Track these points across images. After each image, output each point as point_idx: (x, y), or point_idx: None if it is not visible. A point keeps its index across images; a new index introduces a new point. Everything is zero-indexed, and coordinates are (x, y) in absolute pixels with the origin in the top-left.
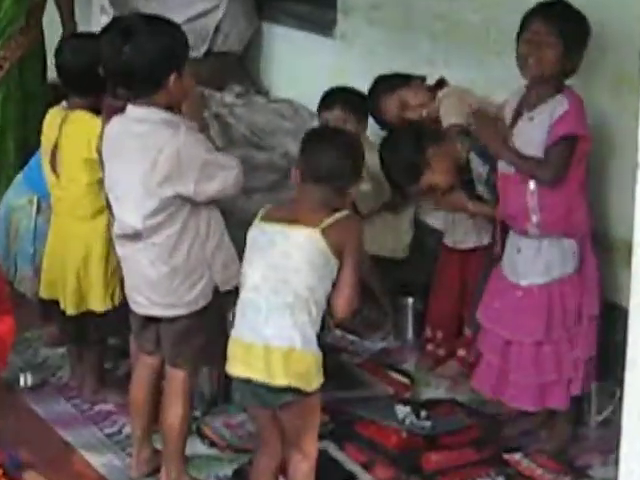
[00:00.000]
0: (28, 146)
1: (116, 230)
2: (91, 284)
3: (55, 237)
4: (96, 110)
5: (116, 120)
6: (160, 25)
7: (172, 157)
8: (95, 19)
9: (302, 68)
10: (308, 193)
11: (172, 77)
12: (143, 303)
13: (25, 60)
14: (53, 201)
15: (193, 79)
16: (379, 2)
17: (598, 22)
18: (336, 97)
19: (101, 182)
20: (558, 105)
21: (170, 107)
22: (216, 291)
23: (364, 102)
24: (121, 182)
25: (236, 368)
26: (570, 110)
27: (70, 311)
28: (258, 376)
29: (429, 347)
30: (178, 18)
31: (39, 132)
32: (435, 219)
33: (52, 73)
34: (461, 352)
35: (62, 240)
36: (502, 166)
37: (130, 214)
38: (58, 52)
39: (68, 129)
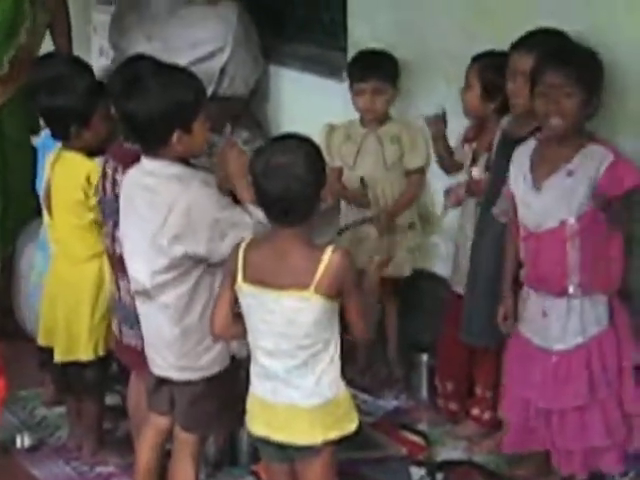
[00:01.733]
0: (8, 194)
1: (131, 285)
2: (78, 331)
3: (50, 281)
4: (93, 150)
5: (131, 171)
6: (170, 77)
7: (182, 214)
8: (94, 61)
9: (310, 112)
10: (281, 237)
11: (176, 134)
12: (158, 363)
13: (8, 109)
14: (51, 244)
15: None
16: (392, 43)
17: (612, 62)
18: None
19: (93, 225)
20: (601, 157)
21: (185, 159)
22: (232, 356)
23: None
24: (131, 237)
25: (258, 427)
26: (618, 160)
27: (57, 358)
28: (285, 436)
29: (440, 401)
30: (182, 60)
31: (26, 182)
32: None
33: None
34: (475, 411)
35: (56, 284)
36: (532, 225)
37: (139, 270)
38: (37, 90)
39: (59, 170)
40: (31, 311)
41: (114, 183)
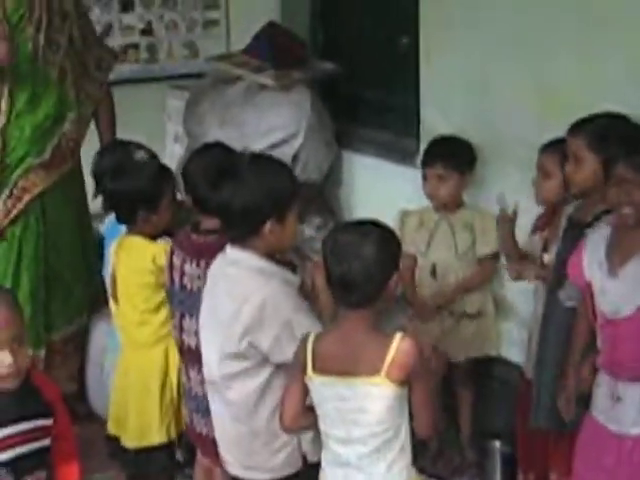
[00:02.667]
0: (52, 277)
1: (205, 374)
2: (149, 416)
3: (119, 371)
4: (154, 234)
5: (215, 261)
6: (265, 166)
7: (256, 307)
8: (169, 148)
9: (383, 198)
10: (353, 323)
11: (268, 224)
12: (228, 460)
13: (52, 193)
14: (118, 331)
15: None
16: (464, 129)
17: None
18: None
19: (159, 308)
20: None
21: (271, 253)
22: (304, 459)
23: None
24: (207, 324)
25: None
26: None
27: (129, 445)
28: None
29: None
30: (255, 147)
31: (72, 264)
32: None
33: None
34: None
35: (124, 373)
36: (608, 312)
37: (211, 358)
38: (104, 175)
39: (124, 255)
40: (103, 396)
41: (182, 274)
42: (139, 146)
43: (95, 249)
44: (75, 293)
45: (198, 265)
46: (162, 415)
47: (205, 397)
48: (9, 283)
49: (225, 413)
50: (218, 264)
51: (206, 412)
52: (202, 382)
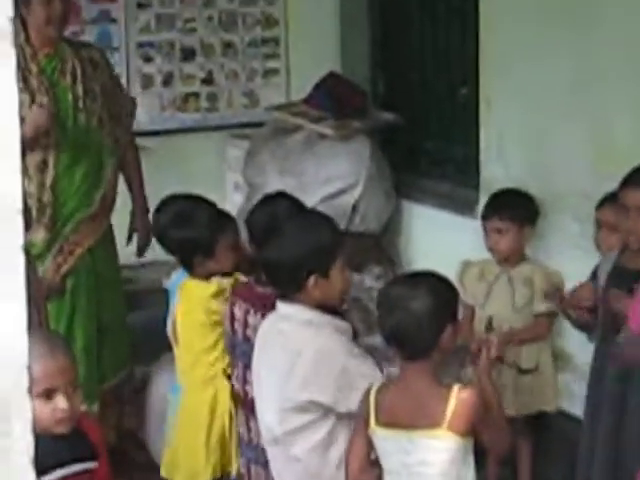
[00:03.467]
0: (103, 330)
1: (262, 433)
2: (196, 457)
3: (179, 415)
4: (210, 274)
5: (269, 316)
6: (307, 221)
7: (310, 360)
8: (229, 196)
9: (442, 248)
10: (413, 375)
11: (312, 279)
12: None
13: (98, 246)
14: (179, 376)
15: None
16: (524, 181)
17: None
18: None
19: (210, 349)
20: None
21: (322, 305)
22: None
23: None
24: (262, 381)
25: None
26: None
27: None
28: None
29: None
30: (315, 196)
31: (117, 317)
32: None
33: None
34: None
35: (180, 415)
36: None
37: (268, 415)
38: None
39: (183, 297)
40: (162, 446)
41: (245, 325)
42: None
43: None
44: (121, 346)
45: (263, 316)
46: (208, 455)
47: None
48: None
49: (289, 471)
50: (270, 321)
51: (266, 464)
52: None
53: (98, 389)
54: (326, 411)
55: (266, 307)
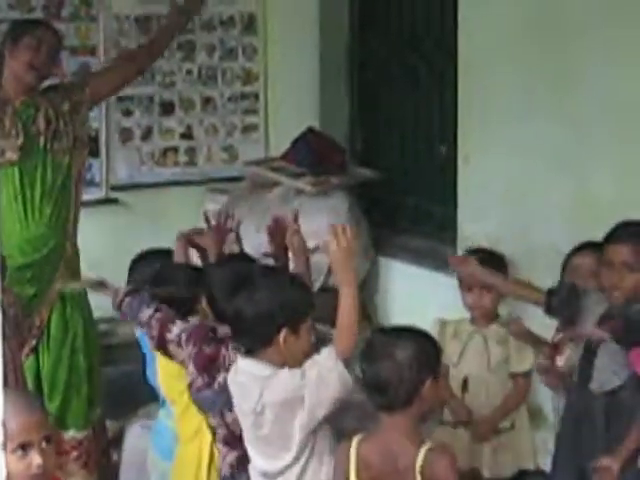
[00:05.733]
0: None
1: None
2: None
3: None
4: None
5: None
6: (283, 279)
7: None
8: None
9: (420, 305)
10: (388, 429)
11: (282, 333)
12: None
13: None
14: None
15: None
16: (501, 239)
17: None
18: None
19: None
20: None
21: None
22: None
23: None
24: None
25: None
26: None
27: None
28: None
29: None
30: None
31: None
32: None
33: None
34: None
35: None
36: None
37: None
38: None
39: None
40: None
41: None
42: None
43: None
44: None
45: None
46: None
47: None
48: (66, 365)
49: None
50: (232, 373)
51: None
52: None
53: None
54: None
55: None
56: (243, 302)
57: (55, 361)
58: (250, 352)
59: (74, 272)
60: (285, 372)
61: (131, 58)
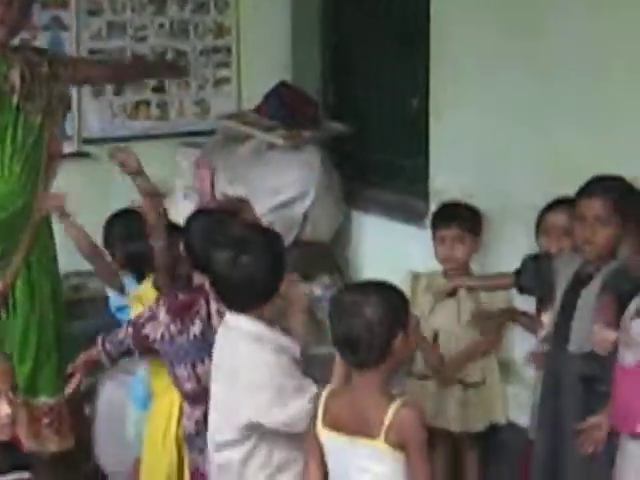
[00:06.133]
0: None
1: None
2: (157, 466)
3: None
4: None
5: (220, 329)
6: (265, 239)
7: (247, 381)
8: (179, 203)
9: (391, 258)
10: (359, 384)
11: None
12: None
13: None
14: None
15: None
16: (473, 193)
17: None
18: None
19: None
20: None
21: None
22: None
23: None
24: (216, 388)
25: None
26: None
27: None
28: None
29: None
30: (264, 206)
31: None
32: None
33: None
34: None
35: (147, 422)
36: (622, 359)
37: (214, 419)
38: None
39: (138, 306)
40: (110, 452)
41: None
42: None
43: None
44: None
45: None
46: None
47: None
48: (35, 332)
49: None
50: (219, 332)
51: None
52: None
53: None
54: (253, 428)
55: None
56: (232, 268)
57: (24, 328)
58: (236, 310)
59: (44, 244)
60: (272, 359)
61: (121, 67)
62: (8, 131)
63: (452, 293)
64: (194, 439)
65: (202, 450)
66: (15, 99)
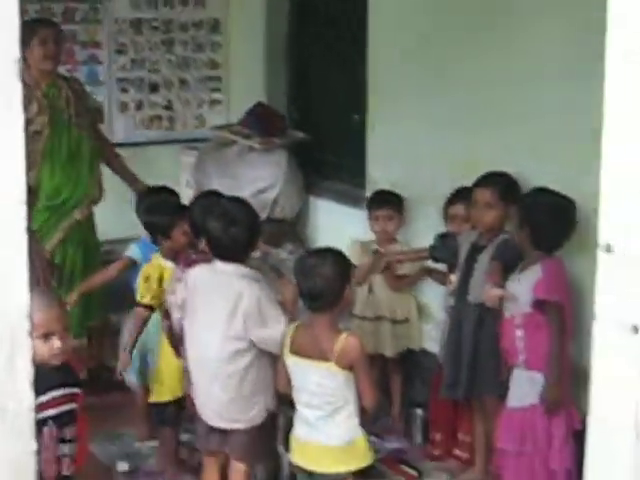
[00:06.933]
0: None
1: (192, 354)
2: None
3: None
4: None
5: (201, 271)
6: (243, 206)
7: (247, 304)
8: (183, 190)
9: (338, 232)
10: (317, 322)
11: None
12: (212, 417)
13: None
14: None
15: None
16: (399, 184)
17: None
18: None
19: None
20: (535, 273)
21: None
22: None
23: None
24: (199, 316)
25: (296, 458)
26: (544, 278)
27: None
28: (316, 466)
29: (430, 446)
30: (245, 192)
31: None
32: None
33: None
34: (457, 451)
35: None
36: (507, 310)
37: (210, 343)
38: (140, 208)
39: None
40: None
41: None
42: (166, 190)
43: None
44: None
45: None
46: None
47: None
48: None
49: (221, 383)
50: (205, 274)
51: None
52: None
53: (86, 327)
54: (251, 344)
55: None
56: (221, 231)
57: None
58: (227, 259)
59: (83, 235)
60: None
61: (111, 152)
62: (63, 139)
63: (386, 267)
64: None
65: None
66: (66, 115)
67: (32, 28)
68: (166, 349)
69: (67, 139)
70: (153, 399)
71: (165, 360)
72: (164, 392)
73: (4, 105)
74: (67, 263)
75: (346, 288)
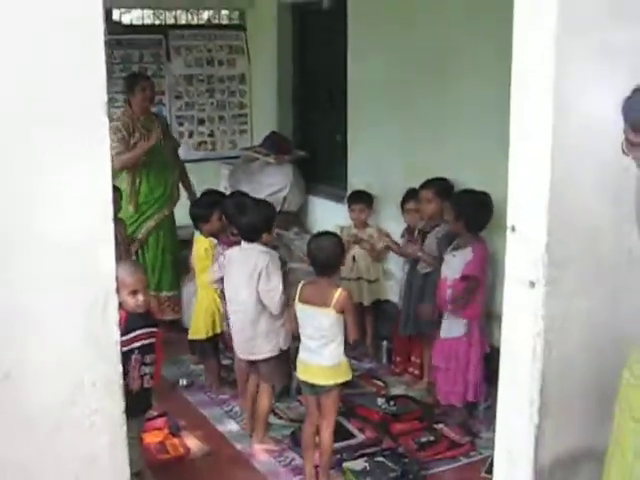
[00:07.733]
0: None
1: (229, 305)
2: (198, 321)
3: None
4: (207, 236)
5: (234, 249)
6: (262, 203)
7: (263, 268)
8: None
9: (329, 220)
10: (320, 281)
11: (264, 235)
12: (242, 350)
13: (168, 217)
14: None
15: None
16: (371, 185)
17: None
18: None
19: (206, 268)
20: (468, 254)
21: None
22: (281, 348)
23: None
24: (233, 276)
25: (301, 375)
26: (472, 260)
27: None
28: (315, 380)
29: (393, 366)
30: (264, 193)
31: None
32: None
33: None
34: (411, 369)
35: (196, 300)
36: (442, 270)
37: (241, 293)
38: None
39: (195, 244)
40: (189, 319)
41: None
42: (214, 191)
43: None
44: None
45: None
46: (205, 320)
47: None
48: (160, 260)
49: (243, 324)
50: (236, 251)
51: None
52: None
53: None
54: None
55: (232, 245)
56: (247, 219)
57: (153, 259)
58: (247, 240)
59: (170, 224)
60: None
61: (182, 168)
62: (155, 156)
63: (356, 241)
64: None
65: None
66: (160, 142)
67: (134, 80)
68: (201, 299)
69: (158, 156)
70: (190, 337)
71: (200, 306)
72: (200, 331)
73: (93, 138)
74: (159, 242)
75: (342, 259)
